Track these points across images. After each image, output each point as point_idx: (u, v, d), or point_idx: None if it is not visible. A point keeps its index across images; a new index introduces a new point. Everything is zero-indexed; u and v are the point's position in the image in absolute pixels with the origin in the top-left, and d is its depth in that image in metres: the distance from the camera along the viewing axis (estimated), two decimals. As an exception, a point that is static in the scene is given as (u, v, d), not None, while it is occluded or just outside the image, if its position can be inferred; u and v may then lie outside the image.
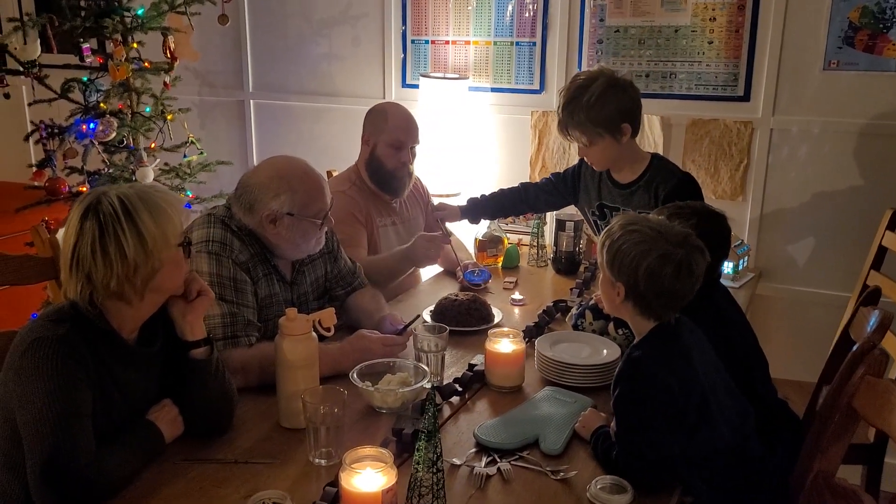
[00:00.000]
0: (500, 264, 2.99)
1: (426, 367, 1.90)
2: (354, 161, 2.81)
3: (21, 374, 1.46)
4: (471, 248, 3.02)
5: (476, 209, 2.73)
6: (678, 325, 1.64)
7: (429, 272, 2.96)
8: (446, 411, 1.85)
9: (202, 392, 1.67)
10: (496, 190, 2.76)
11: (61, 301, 1.60)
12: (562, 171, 2.65)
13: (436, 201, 2.99)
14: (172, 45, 3.16)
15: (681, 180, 2.27)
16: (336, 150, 3.64)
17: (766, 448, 1.65)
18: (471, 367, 2.03)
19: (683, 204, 1.91)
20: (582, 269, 2.92)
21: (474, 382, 1.97)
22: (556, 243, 2.91)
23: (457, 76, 3.33)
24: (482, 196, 2.73)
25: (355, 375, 1.84)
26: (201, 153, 3.46)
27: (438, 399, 1.85)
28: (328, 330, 1.79)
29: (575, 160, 3.26)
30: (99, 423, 1.50)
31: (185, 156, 3.43)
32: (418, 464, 1.36)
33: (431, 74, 3.35)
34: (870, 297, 2.54)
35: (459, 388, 1.91)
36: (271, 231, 2.04)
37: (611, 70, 2.30)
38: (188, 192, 3.43)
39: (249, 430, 1.74)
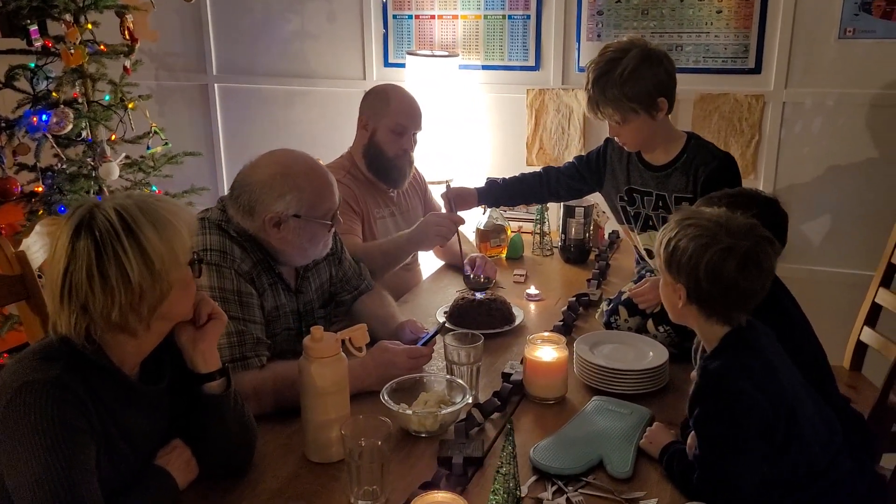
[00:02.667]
0: (504, 255, 2.80)
1: (462, 382, 1.71)
2: (344, 149, 2.58)
3: (8, 428, 1.22)
4: (471, 238, 2.82)
5: (494, 194, 2.51)
6: (753, 330, 1.47)
7: (430, 268, 2.75)
8: (489, 431, 1.66)
9: (220, 430, 1.45)
10: (517, 174, 2.55)
11: (48, 335, 1.34)
12: (584, 153, 2.45)
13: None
14: (131, 25, 2.85)
15: (722, 161, 2.10)
16: (314, 137, 3.39)
17: (855, 463, 1.50)
18: (506, 377, 1.84)
19: (736, 191, 1.74)
20: (592, 257, 2.75)
21: (513, 395, 1.78)
22: (564, 230, 2.73)
23: (445, 54, 3.10)
24: (502, 180, 2.51)
25: (387, 396, 1.63)
26: (166, 144, 3.17)
27: (479, 417, 1.66)
28: (360, 350, 1.57)
29: (574, 142, 3.10)
30: (104, 476, 1.27)
31: (148, 147, 3.13)
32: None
33: (418, 52, 3.12)
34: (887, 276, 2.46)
35: (499, 403, 1.72)
36: (275, 235, 1.80)
37: (642, 40, 2.10)
38: (153, 188, 3.14)
39: (274, 468, 1.53)
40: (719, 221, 1.45)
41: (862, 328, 2.50)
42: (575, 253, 2.74)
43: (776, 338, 1.54)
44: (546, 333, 1.85)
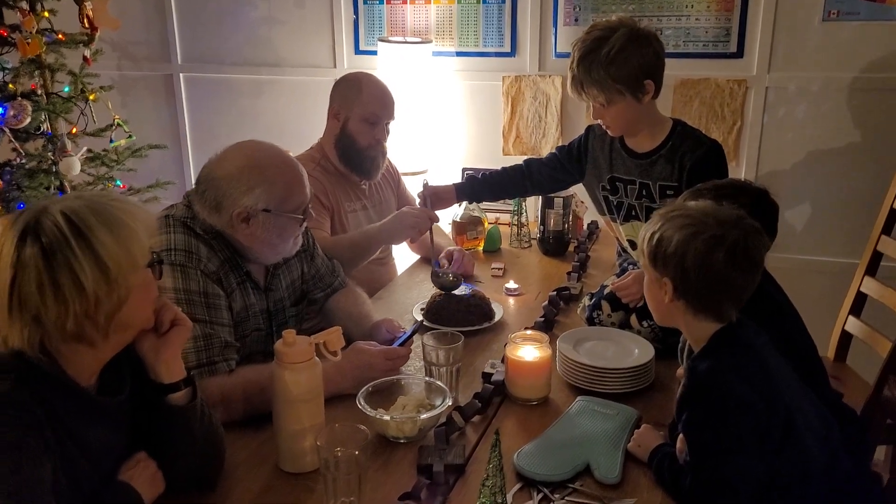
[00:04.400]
0: (481, 248, 2.72)
1: (441, 384, 1.63)
2: (314, 140, 2.49)
3: (-46, 449, 1.12)
4: (447, 231, 2.74)
5: (473, 189, 2.43)
6: (743, 327, 1.41)
7: (404, 262, 2.67)
8: (470, 435, 1.59)
9: (186, 442, 1.36)
10: (497, 168, 2.46)
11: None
12: (563, 142, 2.38)
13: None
14: (91, 13, 2.72)
15: (709, 149, 2.03)
16: (283, 127, 3.29)
17: (853, 461, 1.45)
18: (486, 377, 1.77)
19: (725, 182, 1.68)
20: (571, 248, 2.69)
21: (495, 396, 1.71)
22: (542, 222, 2.66)
23: (418, 40, 3.01)
24: (481, 175, 2.43)
25: (363, 401, 1.55)
26: (129, 137, 3.05)
27: (459, 421, 1.59)
28: (335, 354, 1.49)
29: (552, 130, 3.03)
30: (64, 496, 1.19)
31: (111, 141, 3.01)
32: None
33: (390, 39, 3.02)
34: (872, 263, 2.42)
35: (480, 405, 1.65)
36: (243, 231, 1.71)
37: (631, 20, 2.02)
38: (118, 183, 3.02)
39: (245, 479, 1.45)
40: (706, 211, 1.39)
41: (847, 318, 2.46)
42: (554, 245, 2.67)
43: (766, 331, 1.48)
44: (528, 332, 1.78)
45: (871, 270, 2.42)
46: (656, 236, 1.39)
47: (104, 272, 1.18)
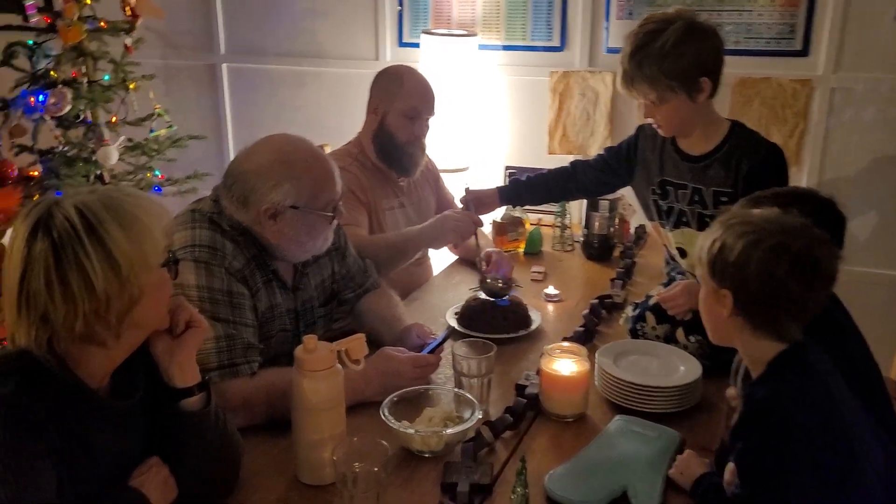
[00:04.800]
0: (521, 250, 2.62)
1: (471, 397, 1.54)
2: (355, 134, 2.42)
3: (-46, 454, 1.07)
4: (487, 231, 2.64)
5: (518, 193, 2.33)
6: (806, 349, 1.29)
7: (440, 263, 2.58)
8: (500, 452, 1.50)
9: (200, 448, 1.31)
10: (542, 171, 2.36)
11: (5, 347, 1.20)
12: (611, 142, 2.26)
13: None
14: (133, 1, 2.69)
15: (769, 153, 1.89)
16: (324, 120, 3.23)
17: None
18: (520, 389, 1.68)
19: (787, 190, 1.55)
20: (617, 253, 2.57)
21: (528, 410, 1.61)
22: (587, 225, 2.55)
23: (464, 33, 2.91)
24: (525, 178, 2.33)
25: (387, 412, 1.48)
26: (170, 126, 3.03)
27: (489, 436, 1.50)
28: (357, 363, 1.41)
29: (600, 128, 2.91)
30: (70, 503, 1.13)
31: (151, 130, 2.99)
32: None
33: (434, 31, 2.93)
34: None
35: (511, 420, 1.55)
36: (271, 228, 1.65)
37: (690, 12, 1.89)
38: (157, 172, 3.00)
39: (261, 489, 1.39)
40: (769, 218, 1.28)
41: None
42: (598, 249, 2.56)
43: (827, 353, 1.36)
44: (565, 343, 1.68)
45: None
46: (717, 244, 1.28)
47: (115, 270, 1.13)
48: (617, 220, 2.57)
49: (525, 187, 2.32)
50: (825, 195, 1.55)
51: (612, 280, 2.30)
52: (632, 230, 2.73)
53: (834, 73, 2.61)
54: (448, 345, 1.76)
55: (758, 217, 1.28)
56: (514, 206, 2.41)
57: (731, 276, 1.26)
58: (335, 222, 1.75)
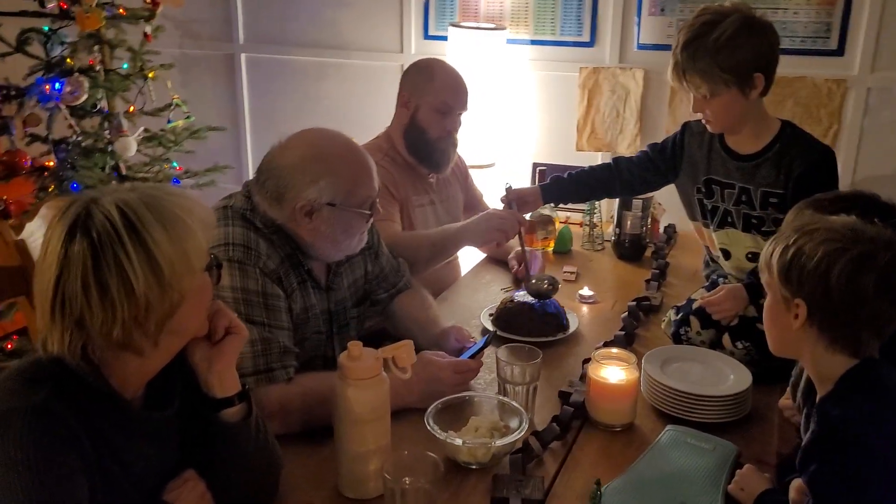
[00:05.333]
0: (551, 248, 2.56)
1: (517, 405, 1.48)
2: (378, 127, 2.36)
3: (-16, 464, 1.01)
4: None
5: (560, 190, 2.26)
6: (880, 365, 1.23)
7: (468, 261, 2.52)
8: (549, 464, 1.44)
9: (238, 462, 1.24)
10: (583, 168, 2.29)
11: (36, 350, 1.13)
12: (658, 141, 2.18)
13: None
14: (155, -13, 2.63)
15: (822, 156, 1.84)
16: (346, 113, 3.16)
17: None
18: (564, 397, 1.62)
19: (851, 194, 1.48)
20: (648, 253, 2.51)
21: (575, 419, 1.55)
22: (619, 224, 2.49)
23: (492, 26, 2.84)
24: (567, 175, 2.26)
25: (432, 421, 1.41)
26: (188, 117, 2.96)
27: (537, 447, 1.44)
28: (404, 371, 1.35)
29: (630, 126, 2.84)
30: None
31: (169, 121, 2.92)
32: None
33: (462, 24, 2.86)
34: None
35: (559, 431, 1.50)
36: (306, 226, 1.59)
37: (746, 6, 1.84)
38: (174, 164, 2.93)
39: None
40: (854, 227, 1.20)
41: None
42: (630, 249, 2.50)
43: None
44: (614, 350, 1.61)
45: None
46: (791, 251, 1.21)
47: (157, 274, 1.06)
48: (649, 220, 2.51)
49: (568, 185, 2.24)
50: (888, 200, 1.49)
51: (647, 281, 2.24)
52: (661, 230, 2.67)
53: (871, 72, 2.54)
54: (489, 349, 1.70)
55: (839, 224, 1.22)
56: (556, 205, 2.34)
57: (809, 286, 1.19)
58: (371, 220, 1.69)
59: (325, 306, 1.72)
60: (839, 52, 2.56)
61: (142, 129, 2.82)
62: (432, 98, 2.22)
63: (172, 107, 2.90)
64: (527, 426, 1.42)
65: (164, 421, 1.20)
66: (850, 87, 2.57)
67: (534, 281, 2.04)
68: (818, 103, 2.57)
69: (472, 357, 1.66)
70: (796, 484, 1.25)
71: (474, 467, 1.40)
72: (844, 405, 1.18)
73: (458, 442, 1.38)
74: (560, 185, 2.24)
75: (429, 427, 1.40)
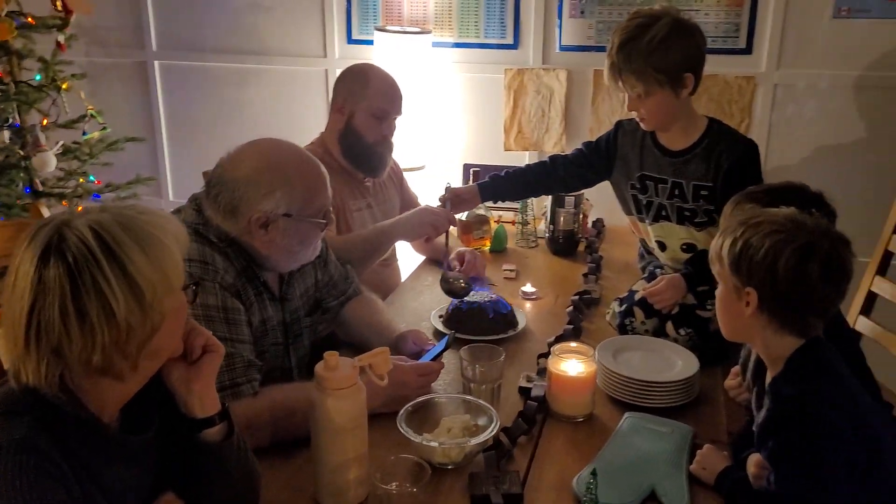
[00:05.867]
0: (488, 247, 2.61)
1: (485, 404, 1.52)
2: (305, 133, 2.34)
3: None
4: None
5: (497, 189, 2.30)
6: (823, 347, 1.33)
7: (408, 266, 2.54)
8: (519, 459, 1.48)
9: (221, 481, 1.23)
10: (521, 166, 2.35)
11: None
12: (586, 139, 2.26)
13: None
14: (64, -5, 2.52)
15: (747, 150, 1.95)
16: (270, 120, 3.11)
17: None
18: (525, 392, 1.67)
19: (782, 185, 1.60)
20: (581, 248, 2.59)
21: (538, 413, 1.60)
22: (552, 221, 2.56)
23: (417, 30, 2.86)
24: (504, 173, 2.31)
25: (404, 424, 1.43)
26: (104, 129, 2.84)
27: (507, 444, 1.48)
28: (382, 378, 1.36)
29: (555, 125, 2.92)
30: None
31: (84, 133, 2.80)
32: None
33: (388, 28, 2.87)
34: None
35: (526, 427, 1.54)
36: (262, 238, 1.57)
37: (675, 9, 1.94)
38: (91, 178, 2.81)
39: (281, 517, 1.31)
40: (795, 219, 1.30)
41: (857, 317, 2.42)
42: (564, 244, 2.57)
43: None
44: (573, 344, 1.68)
45: (882, 270, 2.38)
46: (739, 243, 1.30)
47: (138, 297, 1.04)
48: (581, 216, 2.59)
49: (506, 183, 2.30)
50: (816, 190, 1.61)
51: (585, 275, 2.32)
52: (590, 225, 2.77)
53: (777, 70, 2.71)
54: (457, 350, 1.73)
55: (782, 216, 1.31)
56: (494, 202, 2.39)
57: (758, 275, 1.28)
58: (326, 229, 1.69)
59: (280, 317, 1.71)
60: (748, 50, 2.71)
61: (60, 143, 2.70)
62: (368, 104, 2.23)
63: (87, 118, 2.78)
64: (498, 423, 1.46)
65: (143, 444, 1.17)
66: (758, 84, 2.73)
67: (450, 280, 2.08)
68: (730, 99, 2.72)
69: (433, 359, 1.69)
70: (754, 458, 1.34)
71: (449, 467, 1.42)
72: (795, 383, 1.27)
73: (435, 444, 1.40)
74: (497, 183, 2.29)
75: (402, 430, 1.42)
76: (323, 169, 1.66)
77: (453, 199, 2.21)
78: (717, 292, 1.39)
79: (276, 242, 1.58)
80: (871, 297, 2.40)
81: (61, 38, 2.63)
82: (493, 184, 2.28)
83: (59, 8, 2.56)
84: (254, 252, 1.60)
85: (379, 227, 2.20)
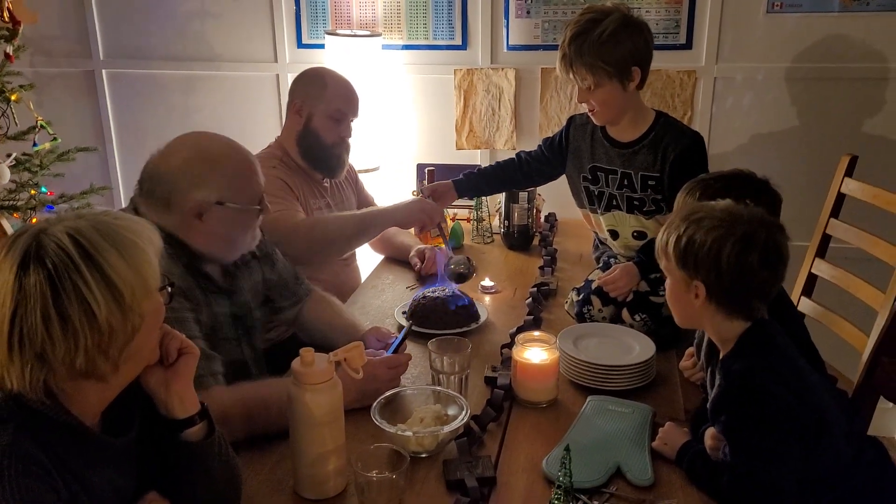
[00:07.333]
0: (442, 245, 2.66)
1: (456, 394, 1.58)
2: (257, 137, 2.36)
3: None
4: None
5: (471, 184, 2.38)
6: (769, 326, 1.42)
7: (367, 265, 2.58)
8: (489, 444, 1.54)
9: (203, 480, 1.26)
10: (492, 163, 2.44)
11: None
12: (515, 133, 2.37)
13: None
14: (11, 5, 2.48)
15: (693, 141, 2.05)
16: (220, 124, 3.09)
17: (876, 452, 1.48)
18: (491, 381, 1.73)
19: (731, 174, 1.68)
20: (536, 242, 2.67)
21: (504, 400, 1.66)
22: (507, 216, 2.63)
23: (367, 33, 2.90)
24: (477, 170, 2.39)
25: (378, 416, 1.48)
26: (55, 139, 2.81)
27: (478, 430, 1.54)
28: (357, 372, 1.40)
29: (506, 123, 3.00)
30: None
31: (34, 144, 2.76)
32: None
33: (338, 32, 2.90)
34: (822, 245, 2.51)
35: (495, 414, 1.60)
36: (198, 229, 1.60)
37: (625, 6, 2.04)
38: (43, 189, 2.78)
39: (263, 511, 1.34)
40: (731, 212, 1.39)
41: (800, 298, 2.55)
42: (519, 239, 2.64)
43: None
44: (536, 333, 1.74)
45: (821, 252, 2.51)
46: (683, 240, 1.38)
47: (118, 300, 1.07)
48: (534, 211, 2.67)
49: (479, 179, 2.39)
50: (762, 176, 1.71)
51: (541, 268, 2.39)
52: (542, 219, 2.84)
53: (715, 63, 2.82)
54: (419, 347, 1.78)
55: (720, 211, 1.39)
56: (470, 198, 2.46)
57: (704, 269, 1.36)
58: (261, 216, 1.71)
59: (229, 310, 1.72)
60: (688, 45, 2.82)
61: (13, 154, 2.66)
62: (326, 106, 2.27)
63: (37, 129, 2.75)
64: (468, 412, 1.52)
65: (125, 446, 1.19)
66: (699, 78, 2.84)
67: (452, 266, 2.14)
68: (673, 93, 2.83)
69: (395, 351, 1.73)
70: (710, 432, 1.42)
71: (423, 455, 1.47)
72: (744, 360, 1.36)
73: (409, 433, 1.45)
74: (470, 179, 2.37)
75: (377, 422, 1.46)
76: (252, 156, 1.69)
77: (432, 194, 2.28)
78: (667, 285, 1.47)
79: (212, 231, 1.61)
80: (812, 279, 2.53)
81: (9, 49, 2.60)
82: (468, 180, 2.37)
83: (7, 19, 2.53)
84: (193, 245, 1.61)
85: (375, 209, 2.29)
